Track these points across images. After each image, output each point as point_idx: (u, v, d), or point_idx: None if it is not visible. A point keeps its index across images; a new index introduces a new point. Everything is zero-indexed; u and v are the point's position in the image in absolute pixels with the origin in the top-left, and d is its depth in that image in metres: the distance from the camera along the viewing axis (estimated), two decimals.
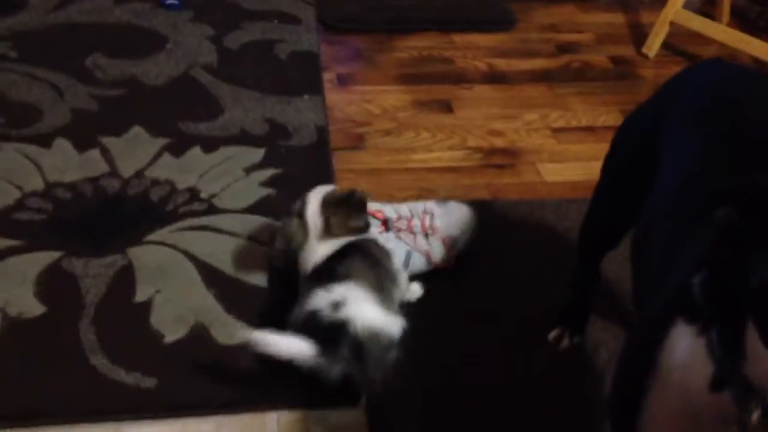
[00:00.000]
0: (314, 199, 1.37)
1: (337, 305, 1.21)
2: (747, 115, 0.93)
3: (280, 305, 1.41)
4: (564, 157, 1.90)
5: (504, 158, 1.88)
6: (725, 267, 0.67)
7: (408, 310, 1.39)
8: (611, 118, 2.05)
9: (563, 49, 2.38)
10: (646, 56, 2.34)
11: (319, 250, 1.33)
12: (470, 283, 1.48)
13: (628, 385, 0.80)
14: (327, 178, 1.72)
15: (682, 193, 0.89)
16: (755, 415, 0.66)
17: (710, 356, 0.68)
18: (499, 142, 1.93)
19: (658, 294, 0.83)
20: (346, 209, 1.34)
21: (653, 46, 2.33)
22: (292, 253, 1.37)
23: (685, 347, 0.71)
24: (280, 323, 1.36)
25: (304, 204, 1.36)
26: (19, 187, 1.64)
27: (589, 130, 2.01)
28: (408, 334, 1.32)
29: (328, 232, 1.33)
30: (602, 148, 1.90)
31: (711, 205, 0.68)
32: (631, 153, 1.12)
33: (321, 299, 1.22)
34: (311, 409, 1.25)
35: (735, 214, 0.65)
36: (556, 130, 1.99)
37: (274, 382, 1.27)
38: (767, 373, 0.63)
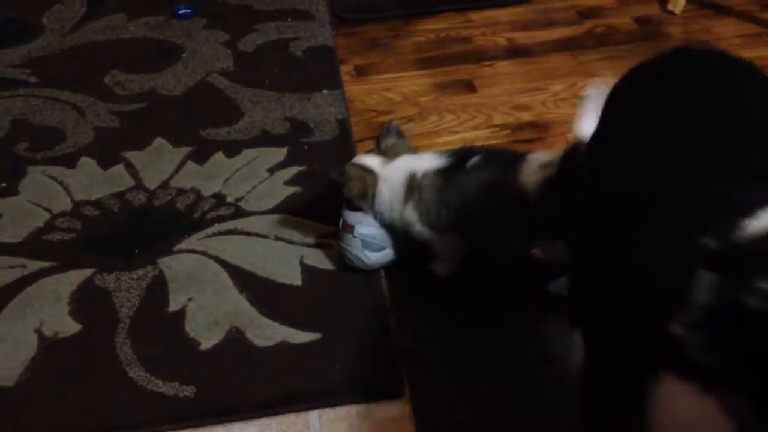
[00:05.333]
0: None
1: None
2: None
3: (315, 303, 1.39)
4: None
5: (532, 132, 1.82)
6: (726, 315, 0.57)
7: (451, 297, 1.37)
8: None
9: (585, 15, 2.30)
10: (672, 13, 2.26)
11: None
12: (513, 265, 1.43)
13: None
14: None
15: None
16: None
17: (729, 417, 0.58)
18: (526, 117, 1.87)
19: (627, 330, 0.69)
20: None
21: (679, 1, 2.24)
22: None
23: (686, 407, 0.61)
24: (315, 321, 1.35)
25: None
26: (48, 209, 1.64)
27: None
28: (451, 324, 1.30)
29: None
30: None
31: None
32: None
33: None
34: (354, 404, 1.21)
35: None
36: None
37: (313, 381, 1.24)
38: None
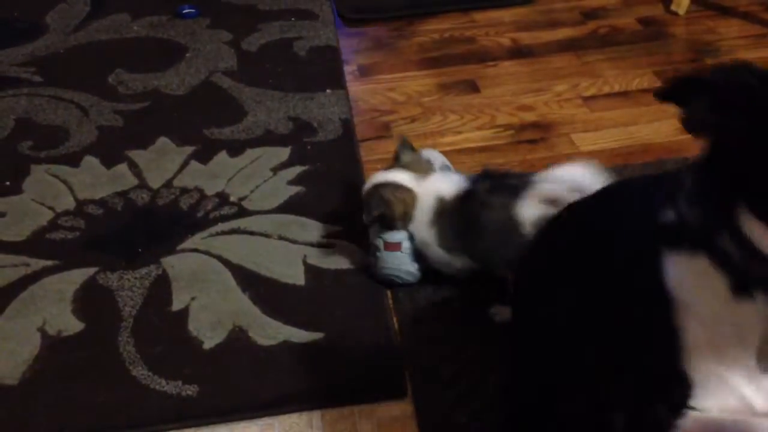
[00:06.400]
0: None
1: None
2: None
3: (318, 302, 1.39)
4: (598, 125, 1.83)
5: (536, 132, 1.82)
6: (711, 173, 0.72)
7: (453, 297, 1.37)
8: (645, 80, 1.97)
9: (588, 15, 2.30)
10: (676, 14, 2.25)
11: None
12: None
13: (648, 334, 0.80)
14: (355, 170, 1.70)
15: None
16: None
17: (721, 268, 0.73)
18: (529, 117, 1.87)
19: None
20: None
21: (683, 2, 2.24)
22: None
23: (690, 273, 0.75)
24: (318, 320, 1.35)
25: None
26: (51, 208, 1.65)
27: (623, 95, 1.94)
28: (453, 324, 1.31)
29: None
30: (637, 112, 1.87)
31: None
32: None
33: None
34: (356, 404, 1.21)
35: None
36: (588, 99, 1.93)
37: (316, 380, 1.24)
38: None
